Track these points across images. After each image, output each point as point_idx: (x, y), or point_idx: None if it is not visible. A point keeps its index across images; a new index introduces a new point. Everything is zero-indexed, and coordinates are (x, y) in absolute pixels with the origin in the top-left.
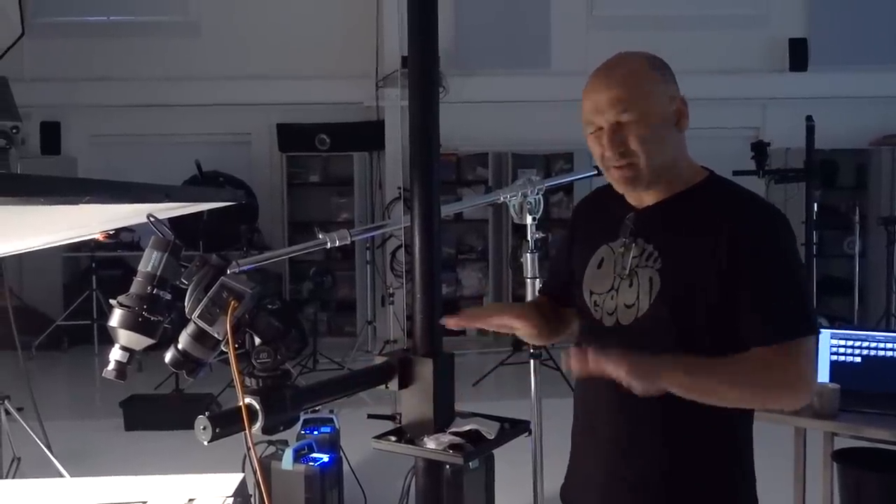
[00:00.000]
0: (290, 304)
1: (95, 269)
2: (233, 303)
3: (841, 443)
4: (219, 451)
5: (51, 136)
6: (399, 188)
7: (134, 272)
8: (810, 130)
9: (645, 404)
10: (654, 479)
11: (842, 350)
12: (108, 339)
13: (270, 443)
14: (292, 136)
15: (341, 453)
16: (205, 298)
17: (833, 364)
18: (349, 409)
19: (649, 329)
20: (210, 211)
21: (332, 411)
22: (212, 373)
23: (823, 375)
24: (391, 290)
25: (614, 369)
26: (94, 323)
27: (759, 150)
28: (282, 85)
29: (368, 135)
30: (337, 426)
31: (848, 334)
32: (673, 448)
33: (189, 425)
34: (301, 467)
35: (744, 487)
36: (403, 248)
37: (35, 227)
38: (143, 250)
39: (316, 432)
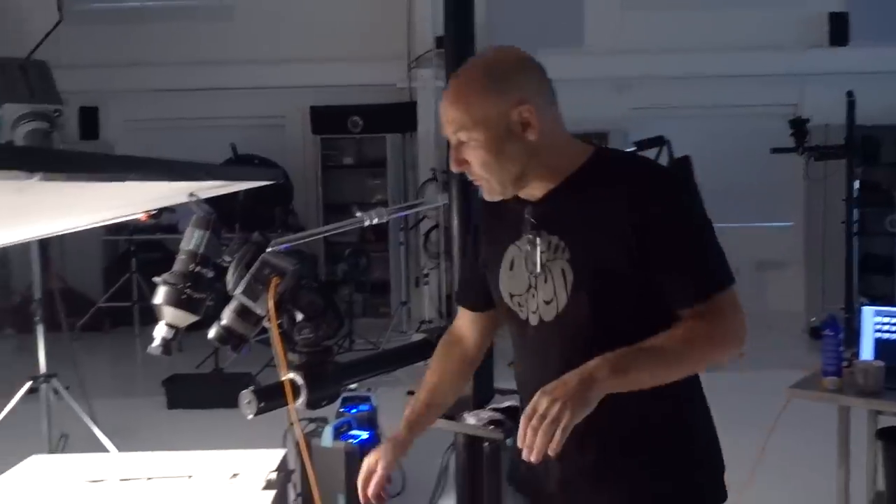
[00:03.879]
0: (326, 286)
1: (134, 252)
2: (275, 279)
3: (885, 421)
4: (258, 428)
5: (89, 121)
6: (432, 169)
7: (172, 255)
8: (851, 106)
9: None
10: (611, 451)
11: (885, 327)
12: (148, 321)
13: (310, 420)
14: (325, 119)
15: (380, 431)
16: (247, 275)
17: (877, 342)
18: (386, 388)
19: (572, 321)
20: (245, 193)
21: (368, 389)
22: (251, 353)
23: (867, 353)
24: (425, 271)
25: (565, 422)
26: (134, 305)
27: (798, 126)
28: (314, 68)
29: (401, 116)
30: (374, 404)
31: (892, 311)
32: (617, 421)
33: (229, 404)
34: (341, 444)
35: (699, 443)
36: (438, 229)
37: (80, 207)
38: (181, 234)
39: (355, 410)
